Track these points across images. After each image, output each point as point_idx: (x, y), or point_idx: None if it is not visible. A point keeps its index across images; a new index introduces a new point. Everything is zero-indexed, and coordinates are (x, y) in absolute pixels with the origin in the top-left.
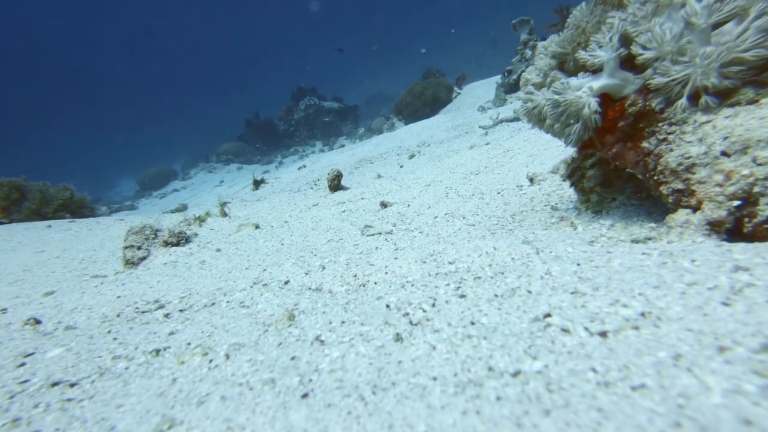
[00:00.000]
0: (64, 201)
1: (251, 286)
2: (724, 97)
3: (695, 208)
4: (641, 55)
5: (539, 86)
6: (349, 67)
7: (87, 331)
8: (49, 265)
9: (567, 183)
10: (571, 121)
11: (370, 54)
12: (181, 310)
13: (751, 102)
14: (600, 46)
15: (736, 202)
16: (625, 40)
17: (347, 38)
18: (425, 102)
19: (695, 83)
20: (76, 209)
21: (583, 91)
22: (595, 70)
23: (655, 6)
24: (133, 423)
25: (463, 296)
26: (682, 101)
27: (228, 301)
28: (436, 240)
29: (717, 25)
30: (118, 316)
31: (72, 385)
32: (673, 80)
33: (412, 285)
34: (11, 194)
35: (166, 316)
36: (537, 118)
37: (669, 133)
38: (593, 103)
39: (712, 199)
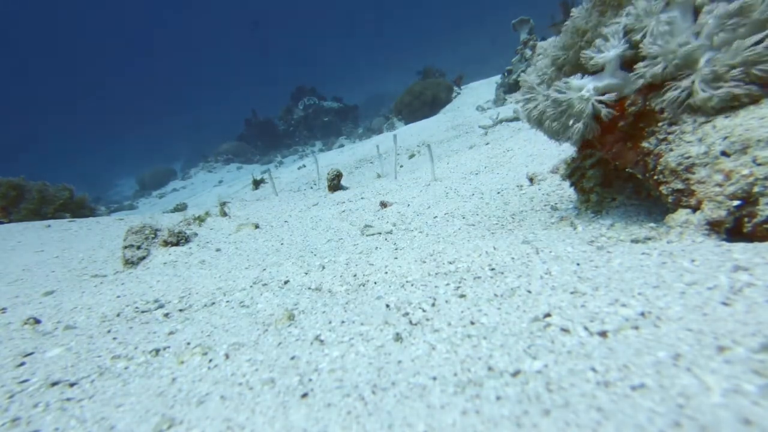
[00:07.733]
0: (64, 201)
1: (251, 286)
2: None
3: (695, 208)
4: (646, 49)
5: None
6: (349, 65)
7: (86, 330)
8: (48, 264)
9: (567, 183)
10: (571, 122)
11: (370, 53)
12: (180, 310)
13: (751, 102)
14: (604, 44)
15: (736, 202)
16: (629, 40)
17: (345, 38)
18: (425, 102)
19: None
20: (76, 209)
21: (586, 90)
22: (596, 71)
23: (663, 4)
24: (132, 422)
25: (462, 296)
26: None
27: (228, 301)
28: (435, 240)
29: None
30: (118, 315)
31: (71, 385)
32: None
33: (412, 285)
34: (9, 194)
35: (166, 315)
36: (537, 121)
37: (669, 133)
38: (597, 104)
39: (711, 199)
